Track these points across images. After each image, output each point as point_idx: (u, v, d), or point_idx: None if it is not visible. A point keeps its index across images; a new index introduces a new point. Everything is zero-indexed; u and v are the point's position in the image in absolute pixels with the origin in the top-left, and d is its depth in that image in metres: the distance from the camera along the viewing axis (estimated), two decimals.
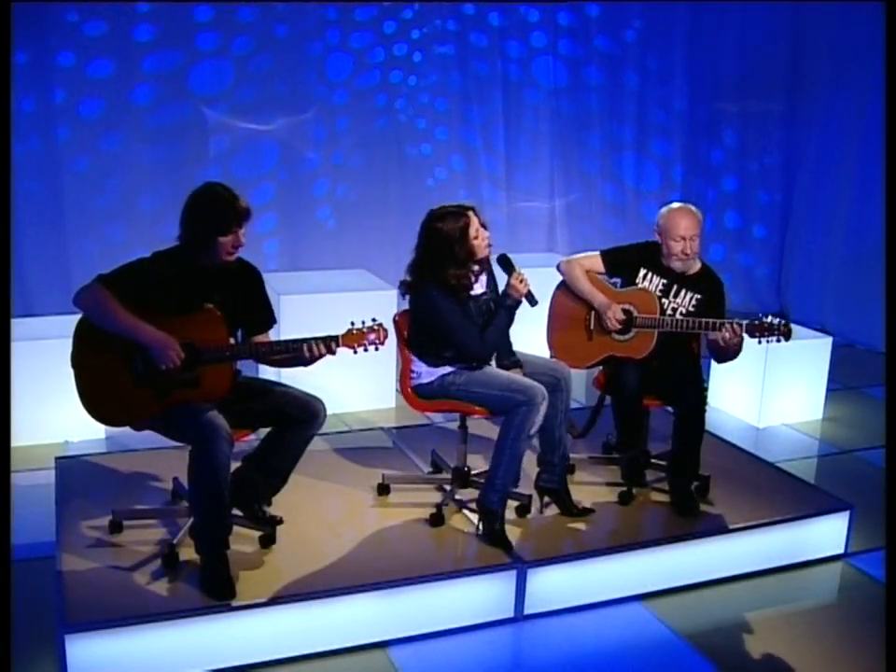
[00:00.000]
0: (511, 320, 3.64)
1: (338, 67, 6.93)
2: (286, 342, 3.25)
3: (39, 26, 5.97)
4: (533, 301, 3.61)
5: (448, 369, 3.61)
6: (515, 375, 3.58)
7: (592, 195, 7.91)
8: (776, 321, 3.61)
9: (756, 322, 3.62)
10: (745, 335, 3.62)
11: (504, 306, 3.60)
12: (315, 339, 3.19)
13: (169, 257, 3.19)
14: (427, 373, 3.65)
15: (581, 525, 3.64)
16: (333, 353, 3.23)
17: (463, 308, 3.55)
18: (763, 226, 8.13)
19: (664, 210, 3.87)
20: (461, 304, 3.55)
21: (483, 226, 3.61)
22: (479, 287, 3.65)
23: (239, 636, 2.99)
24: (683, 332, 3.74)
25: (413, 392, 3.69)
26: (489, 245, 3.62)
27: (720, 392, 5.53)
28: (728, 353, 3.74)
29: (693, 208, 3.85)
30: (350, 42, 6.93)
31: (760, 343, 3.65)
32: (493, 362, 3.66)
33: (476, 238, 3.55)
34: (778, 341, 3.62)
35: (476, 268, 3.62)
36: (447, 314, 3.53)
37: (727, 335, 3.61)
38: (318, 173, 7.00)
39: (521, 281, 3.58)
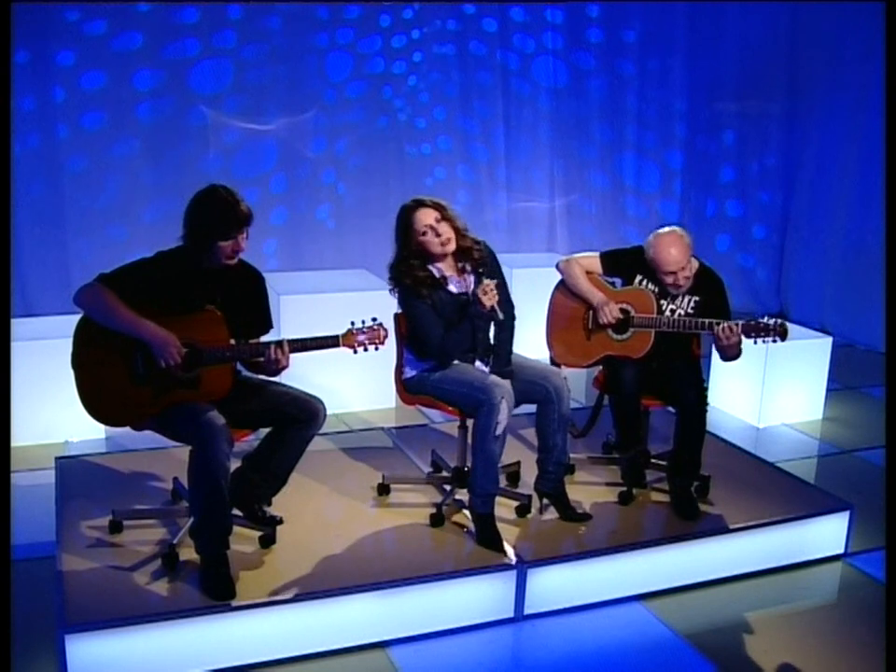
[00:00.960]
0: (478, 327, 3.56)
1: (338, 67, 6.93)
2: (254, 344, 3.23)
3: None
4: (496, 318, 3.50)
5: (426, 364, 3.59)
6: (486, 374, 3.51)
7: (591, 195, 7.92)
8: (771, 321, 3.61)
9: (752, 322, 3.62)
10: (741, 335, 3.63)
11: (468, 314, 3.53)
12: (289, 340, 3.17)
13: (171, 257, 3.19)
14: (410, 368, 3.65)
15: (580, 526, 3.64)
16: (285, 357, 3.17)
17: (432, 303, 3.49)
18: (763, 226, 8.12)
19: (651, 238, 3.77)
20: (425, 299, 3.49)
21: (451, 221, 3.49)
22: (461, 285, 3.60)
23: (239, 636, 2.99)
24: (681, 332, 3.74)
25: (402, 385, 3.71)
26: (447, 242, 3.47)
27: (720, 392, 5.53)
28: (729, 352, 3.73)
29: (679, 234, 3.74)
30: (352, 43, 6.93)
31: (756, 343, 3.65)
32: (487, 368, 3.61)
33: (425, 234, 3.46)
34: (774, 341, 3.62)
35: (460, 264, 3.58)
36: (410, 308, 3.51)
37: (723, 336, 3.61)
38: (318, 173, 7.00)
39: (485, 293, 3.40)
